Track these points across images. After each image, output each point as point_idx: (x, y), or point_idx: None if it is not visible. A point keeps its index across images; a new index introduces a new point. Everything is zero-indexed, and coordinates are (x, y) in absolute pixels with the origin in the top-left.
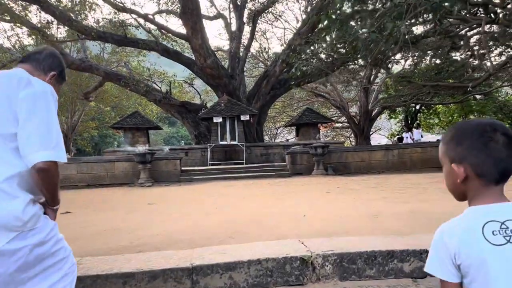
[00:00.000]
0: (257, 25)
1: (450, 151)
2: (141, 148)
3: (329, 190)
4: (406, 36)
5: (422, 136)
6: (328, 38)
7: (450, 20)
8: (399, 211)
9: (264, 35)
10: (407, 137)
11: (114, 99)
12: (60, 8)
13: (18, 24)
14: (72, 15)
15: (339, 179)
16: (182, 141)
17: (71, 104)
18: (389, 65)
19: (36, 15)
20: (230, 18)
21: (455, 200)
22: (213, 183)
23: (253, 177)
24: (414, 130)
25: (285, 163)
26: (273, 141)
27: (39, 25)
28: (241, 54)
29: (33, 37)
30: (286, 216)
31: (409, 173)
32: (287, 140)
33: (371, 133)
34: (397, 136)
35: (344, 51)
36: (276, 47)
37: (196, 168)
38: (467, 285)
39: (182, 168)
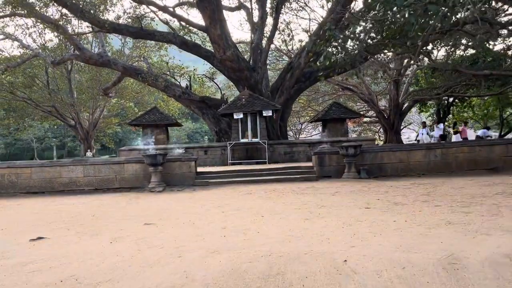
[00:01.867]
0: (281, 15)
1: None
2: (151, 147)
3: (368, 203)
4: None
5: (447, 133)
6: (362, 23)
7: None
8: (490, 255)
9: (288, 26)
10: (422, 133)
11: (135, 95)
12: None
13: (38, 20)
14: (84, 6)
15: (375, 184)
16: (206, 136)
17: (92, 100)
18: (430, 54)
19: (57, 10)
20: (252, 9)
21: None
22: (230, 188)
23: (275, 181)
24: (435, 126)
25: (311, 164)
26: (297, 137)
27: (58, 20)
28: (263, 46)
29: (54, 33)
30: (319, 262)
31: (456, 177)
32: (312, 135)
33: (401, 127)
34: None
35: (380, 37)
36: (300, 39)
37: (213, 170)
38: None
39: (198, 170)
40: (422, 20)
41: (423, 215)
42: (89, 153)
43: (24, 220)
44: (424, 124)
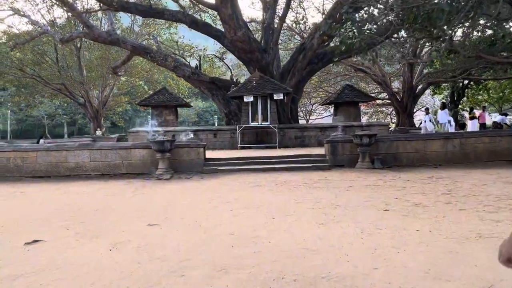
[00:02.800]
0: None
1: None
2: (160, 129)
3: (386, 203)
4: None
5: (450, 121)
6: (380, 6)
7: None
8: None
9: (301, 5)
10: (424, 121)
11: (145, 73)
12: None
13: None
14: None
15: (390, 177)
16: (216, 116)
17: (101, 78)
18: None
19: None
20: None
21: None
22: (239, 177)
23: (286, 170)
24: (440, 111)
25: (323, 152)
26: (307, 118)
27: None
28: (275, 25)
29: (63, 8)
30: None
31: (475, 169)
32: (323, 117)
33: (414, 110)
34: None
35: (399, 20)
36: (314, 19)
37: (222, 155)
38: None
39: (207, 156)
40: (453, 6)
41: (448, 222)
42: (98, 132)
43: (24, 215)
44: (427, 110)
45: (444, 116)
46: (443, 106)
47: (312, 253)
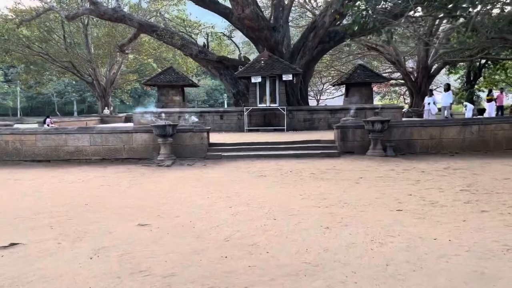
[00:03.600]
0: None
1: None
2: (165, 110)
3: (399, 201)
4: None
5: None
6: None
7: None
8: None
9: None
10: (428, 103)
11: (153, 51)
12: None
13: None
14: None
15: (404, 167)
16: (225, 94)
17: (108, 56)
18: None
19: None
20: None
21: None
22: (243, 165)
23: (293, 156)
24: (443, 93)
25: (332, 137)
26: (318, 98)
27: None
28: (285, 2)
29: None
30: None
31: (495, 159)
32: (334, 97)
33: (432, 89)
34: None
35: None
36: None
37: (227, 139)
38: None
39: (211, 140)
40: None
41: (470, 229)
42: (106, 111)
43: (10, 210)
44: (430, 92)
45: (447, 99)
46: (447, 88)
47: (314, 270)
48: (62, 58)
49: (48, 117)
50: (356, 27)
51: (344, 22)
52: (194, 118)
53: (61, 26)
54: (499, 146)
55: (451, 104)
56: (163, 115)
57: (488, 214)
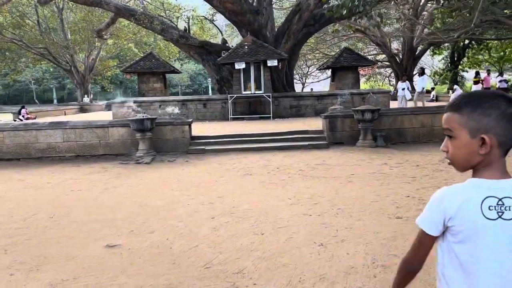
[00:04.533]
0: None
1: (473, 122)
2: (146, 99)
3: (397, 206)
4: None
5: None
6: None
7: None
8: None
9: None
10: (403, 89)
11: (133, 36)
12: None
13: None
14: None
15: (397, 160)
16: (210, 79)
17: (86, 42)
18: None
19: None
20: None
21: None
22: (227, 160)
23: (280, 149)
24: (418, 78)
25: (320, 125)
26: (304, 81)
27: None
28: None
29: None
30: None
31: None
32: (319, 81)
33: (414, 73)
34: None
35: None
36: None
37: (211, 130)
38: (452, 243)
39: (194, 133)
40: None
41: None
42: (86, 98)
43: None
44: (405, 77)
45: (420, 83)
46: (422, 72)
47: None
48: (37, 44)
49: (23, 107)
50: (345, 11)
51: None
52: (175, 109)
53: (34, 11)
54: None
55: (424, 88)
56: (133, 105)
57: None
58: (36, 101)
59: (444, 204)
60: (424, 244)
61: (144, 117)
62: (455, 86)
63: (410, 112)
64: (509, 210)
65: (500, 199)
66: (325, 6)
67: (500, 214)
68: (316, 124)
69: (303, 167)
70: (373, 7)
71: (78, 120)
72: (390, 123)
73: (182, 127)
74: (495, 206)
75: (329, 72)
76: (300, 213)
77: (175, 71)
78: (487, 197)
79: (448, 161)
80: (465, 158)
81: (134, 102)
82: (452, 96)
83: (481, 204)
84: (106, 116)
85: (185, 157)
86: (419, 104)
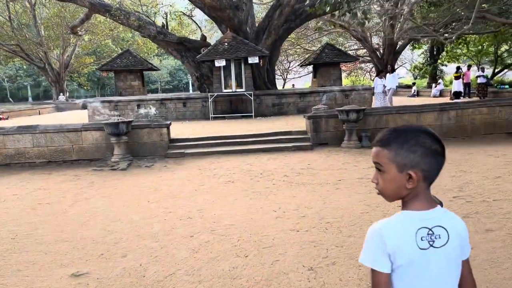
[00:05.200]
0: None
1: (400, 158)
2: (122, 99)
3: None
4: None
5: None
6: None
7: None
8: None
9: None
10: (377, 85)
11: (109, 32)
12: None
13: None
14: None
15: None
16: (189, 75)
17: (60, 39)
18: None
19: None
20: None
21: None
22: (208, 166)
23: (263, 151)
24: (388, 75)
25: (303, 124)
26: (285, 76)
27: None
28: None
29: None
30: None
31: (475, 146)
32: (300, 76)
33: (395, 67)
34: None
35: None
36: None
37: (191, 131)
38: (395, 279)
39: (173, 134)
40: None
41: (482, 262)
42: (62, 97)
43: None
44: (383, 74)
45: (392, 81)
46: (392, 69)
47: None
48: (8, 41)
49: None
50: (328, 8)
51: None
52: (153, 110)
53: (5, 6)
54: (477, 131)
55: (397, 86)
56: (109, 111)
57: (495, 235)
58: (10, 99)
59: (384, 239)
60: (382, 284)
61: (119, 120)
62: (440, 80)
63: (395, 111)
64: (439, 238)
65: (430, 229)
66: (307, 2)
67: (431, 243)
68: (299, 123)
69: (287, 172)
70: (357, 3)
71: (49, 124)
72: (375, 123)
73: (160, 129)
74: (426, 236)
75: (310, 67)
76: (286, 229)
77: (153, 68)
78: (419, 228)
79: (377, 192)
80: (393, 191)
81: (110, 102)
82: (434, 90)
83: (415, 236)
84: (82, 115)
85: (163, 161)
86: (388, 103)
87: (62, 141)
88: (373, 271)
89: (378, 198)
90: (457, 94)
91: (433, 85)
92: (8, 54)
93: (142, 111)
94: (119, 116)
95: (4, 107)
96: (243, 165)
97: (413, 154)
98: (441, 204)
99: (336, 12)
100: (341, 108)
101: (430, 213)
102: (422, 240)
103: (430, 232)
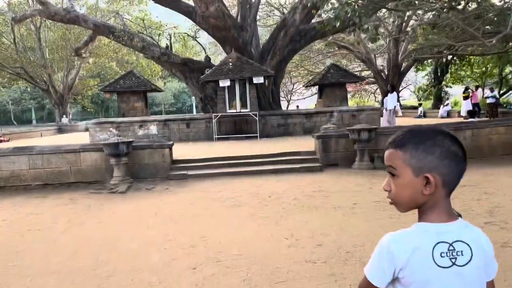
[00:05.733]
0: None
1: (415, 160)
2: (126, 120)
3: None
4: None
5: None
6: None
7: None
8: None
9: None
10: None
11: (113, 54)
12: None
13: None
14: None
15: None
16: (193, 97)
17: (64, 61)
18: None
19: None
20: None
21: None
22: (212, 188)
23: (271, 172)
24: (389, 95)
25: (311, 147)
26: (289, 98)
27: None
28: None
29: None
30: None
31: (494, 167)
32: (304, 98)
33: (400, 89)
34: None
35: None
36: None
37: (194, 152)
38: None
39: (176, 156)
40: None
41: None
42: (64, 119)
43: None
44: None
45: (392, 101)
46: (392, 89)
47: None
48: (12, 64)
49: None
50: (338, 23)
51: (316, 19)
52: (154, 130)
53: (11, 29)
54: (494, 152)
55: (399, 105)
56: (112, 130)
57: None
58: (14, 122)
59: (393, 254)
60: None
61: (119, 141)
62: (447, 101)
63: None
64: (462, 255)
65: (450, 244)
66: (315, 19)
67: (453, 260)
68: (306, 144)
69: (298, 194)
70: (368, 18)
71: (45, 145)
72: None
73: (162, 150)
74: (446, 252)
75: (314, 89)
76: (301, 260)
77: (156, 89)
78: (438, 243)
79: (390, 201)
80: (408, 198)
81: (113, 123)
82: (441, 111)
83: (432, 251)
84: (84, 137)
85: (165, 183)
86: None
87: (60, 163)
88: (367, 281)
89: (400, 223)
90: (471, 113)
91: (441, 106)
92: (12, 77)
93: (144, 131)
94: (119, 136)
95: (7, 129)
96: (250, 188)
97: (430, 155)
98: (461, 217)
99: (341, 32)
100: (352, 127)
101: (450, 226)
102: (442, 256)
103: (451, 247)
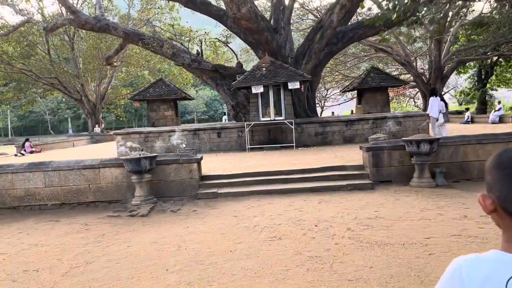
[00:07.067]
0: None
1: (486, 179)
2: (154, 130)
3: None
4: None
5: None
6: None
7: None
8: None
9: None
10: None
11: (145, 63)
12: None
13: None
14: None
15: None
16: (225, 105)
17: (97, 71)
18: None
19: None
20: None
21: None
22: (246, 212)
23: (312, 191)
24: (432, 99)
25: (356, 159)
26: (322, 104)
27: None
28: (286, 1)
29: None
30: None
31: None
32: (339, 104)
33: (443, 93)
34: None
35: None
36: None
37: (224, 171)
38: None
39: (204, 173)
40: None
41: None
42: (97, 129)
43: None
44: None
45: (436, 106)
46: (433, 92)
47: None
48: (47, 74)
49: (27, 140)
50: (394, 15)
51: (353, 21)
52: (180, 143)
53: (45, 40)
54: None
55: (440, 112)
56: (129, 143)
57: None
58: (51, 131)
59: (464, 280)
60: None
61: (141, 156)
62: (500, 105)
63: (475, 141)
64: None
65: None
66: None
67: None
68: (349, 154)
69: (350, 223)
70: (429, 10)
71: (62, 160)
72: (450, 156)
73: (189, 165)
74: None
75: (349, 94)
76: None
77: (187, 97)
78: None
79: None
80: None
81: (140, 133)
82: (492, 116)
83: (506, 284)
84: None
85: (192, 204)
86: (432, 133)
87: (78, 180)
88: None
89: None
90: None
91: (493, 111)
92: (46, 87)
93: (170, 143)
94: (142, 150)
95: (44, 139)
96: (290, 211)
97: (489, 175)
98: None
99: (397, 26)
100: (409, 138)
101: None
102: None
103: None
